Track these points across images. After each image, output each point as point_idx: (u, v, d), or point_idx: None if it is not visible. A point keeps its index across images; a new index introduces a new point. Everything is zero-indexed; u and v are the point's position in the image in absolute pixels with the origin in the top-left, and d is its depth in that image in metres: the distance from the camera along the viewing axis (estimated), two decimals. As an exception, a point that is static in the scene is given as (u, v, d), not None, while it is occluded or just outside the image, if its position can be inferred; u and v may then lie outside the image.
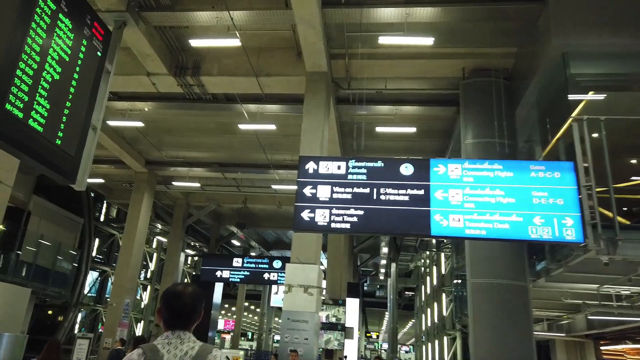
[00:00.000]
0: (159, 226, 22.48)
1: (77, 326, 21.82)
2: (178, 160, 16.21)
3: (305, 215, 6.70)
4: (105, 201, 22.91)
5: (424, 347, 29.96)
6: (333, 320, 15.25)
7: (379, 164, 6.73)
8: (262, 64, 9.92)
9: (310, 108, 9.39)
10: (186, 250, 25.68)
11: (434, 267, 26.47)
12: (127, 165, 16.40)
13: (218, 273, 19.63)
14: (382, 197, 6.58)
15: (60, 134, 4.14)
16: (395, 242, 23.63)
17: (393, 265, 24.32)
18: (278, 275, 19.03)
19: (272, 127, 11.92)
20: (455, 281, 19.65)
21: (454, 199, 6.41)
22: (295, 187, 16.47)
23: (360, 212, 6.55)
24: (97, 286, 23.96)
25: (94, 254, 22.22)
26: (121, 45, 8.04)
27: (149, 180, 16.86)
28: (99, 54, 4.94)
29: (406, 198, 6.51)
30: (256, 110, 11.77)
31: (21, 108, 3.62)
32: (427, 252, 26.81)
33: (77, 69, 4.46)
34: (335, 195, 6.71)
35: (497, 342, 7.93)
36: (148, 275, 26.85)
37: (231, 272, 19.64)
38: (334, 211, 6.64)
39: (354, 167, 6.79)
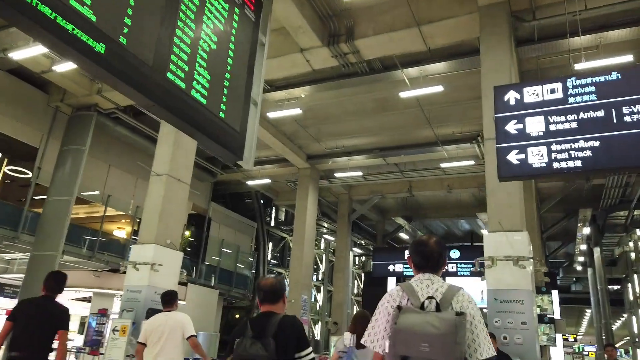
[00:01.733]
0: (325, 225, 22.35)
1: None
2: (338, 150, 15.64)
3: (513, 157, 5.14)
4: (273, 205, 23.69)
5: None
6: (537, 310, 12.87)
7: (614, 76, 4.86)
8: (423, 10, 8.58)
9: (489, 46, 7.74)
10: (353, 249, 25.30)
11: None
12: (290, 163, 16.42)
13: (390, 267, 18.60)
14: (627, 119, 4.71)
15: (223, 107, 3.85)
16: (596, 222, 19.92)
17: (597, 249, 20.55)
18: (457, 267, 17.23)
19: (439, 88, 10.44)
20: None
21: None
22: (469, 163, 14.80)
23: (595, 143, 4.77)
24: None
25: (268, 257, 23.06)
26: (272, 27, 7.56)
27: (312, 175, 16.67)
28: (252, 24, 4.46)
29: (663, 115, 4.54)
30: (418, 73, 10.45)
31: (182, 78, 3.39)
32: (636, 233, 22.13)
33: (232, 38, 4.11)
34: (553, 127, 5.03)
35: None
36: (320, 277, 27.11)
37: (404, 266, 18.43)
38: (555, 147, 4.96)
39: (575, 88, 5.04)
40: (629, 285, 29.78)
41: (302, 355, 2.67)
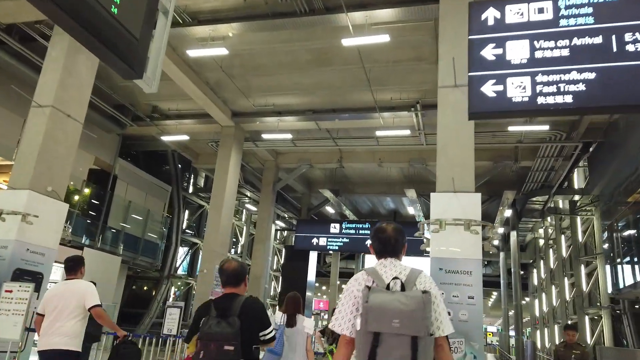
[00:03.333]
0: (248, 193, 20.87)
1: (170, 300, 21.03)
2: (267, 108, 14.21)
3: (489, 89, 4.11)
4: (192, 168, 21.76)
5: (545, 330, 26.20)
6: None
7: (615, -5, 3.95)
8: None
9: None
10: (275, 222, 24.12)
11: (562, 236, 22.61)
12: (212, 120, 14.72)
13: (314, 240, 17.67)
14: (629, 48, 3.81)
15: (116, 0, 2.85)
16: (515, 205, 20.25)
17: (513, 233, 21.00)
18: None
19: (385, 37, 9.35)
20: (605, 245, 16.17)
21: None
22: (405, 133, 14.00)
23: (590, 75, 3.83)
24: (188, 260, 23.08)
25: (183, 226, 21.23)
26: None
27: (236, 135, 15.09)
28: None
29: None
30: (364, 19, 9.28)
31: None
32: (550, 220, 22.96)
33: None
34: (539, 54, 4.04)
35: None
36: (239, 251, 25.69)
37: (328, 240, 17.56)
38: (541, 78, 3.98)
39: (569, 8, 4.07)
40: (535, 270, 31.53)
41: (265, 334, 2.91)
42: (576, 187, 19.52)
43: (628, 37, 3.84)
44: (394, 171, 19.57)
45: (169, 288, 19.84)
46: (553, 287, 24.58)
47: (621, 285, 14.88)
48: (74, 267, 4.39)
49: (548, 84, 3.95)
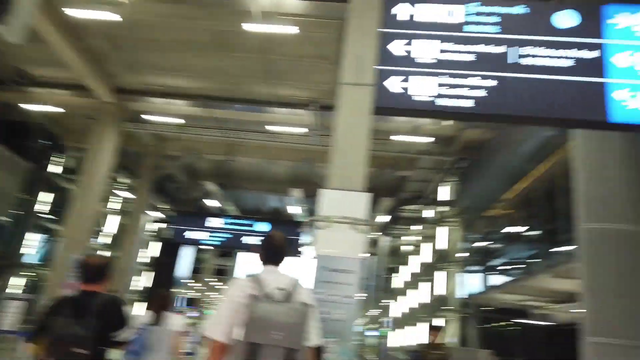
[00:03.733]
0: (123, 179, 19.23)
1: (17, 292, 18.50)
2: (156, 88, 13.20)
3: (395, 85, 4.12)
4: (61, 146, 19.47)
5: (402, 330, 28.07)
6: None
7: (520, 9, 4.19)
8: None
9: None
10: (151, 212, 22.62)
11: (427, 244, 24.43)
12: (90, 93, 13.26)
13: (193, 234, 16.81)
14: (526, 61, 4.08)
15: None
16: (389, 213, 21.40)
17: (385, 239, 22.12)
18: (264, 240, 16.40)
19: (294, 29, 9.18)
20: (460, 255, 17.73)
21: (645, 68, 3.97)
22: (300, 131, 13.96)
23: (492, 83, 4.02)
24: (45, 249, 20.56)
25: (44, 209, 18.88)
26: None
27: (117, 113, 13.81)
28: None
29: (566, 63, 4.03)
30: (272, 6, 9.02)
31: None
32: (418, 228, 24.72)
33: None
34: (444, 56, 4.15)
35: (620, 309, 5.59)
36: (107, 241, 23.56)
37: (208, 235, 16.85)
38: (445, 80, 4.08)
39: (477, 15, 4.24)
40: (398, 274, 33.80)
41: (117, 335, 2.70)
42: (445, 199, 21.23)
43: (525, 50, 4.08)
44: (282, 169, 19.51)
45: (13, 277, 17.43)
46: (412, 290, 26.46)
47: (471, 291, 16.47)
48: None
49: (452, 86, 4.05)
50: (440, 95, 4.05)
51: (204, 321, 2.75)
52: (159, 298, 4.76)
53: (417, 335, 22.61)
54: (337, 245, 5.59)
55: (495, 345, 12.98)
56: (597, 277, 5.77)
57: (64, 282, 12.33)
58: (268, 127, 14.11)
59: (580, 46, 4.02)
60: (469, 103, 3.97)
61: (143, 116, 14.38)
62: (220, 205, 21.88)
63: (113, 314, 2.68)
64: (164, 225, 26.74)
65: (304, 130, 13.89)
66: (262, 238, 2.49)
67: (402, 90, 4.10)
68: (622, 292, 5.58)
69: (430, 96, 4.04)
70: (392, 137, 13.92)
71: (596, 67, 3.96)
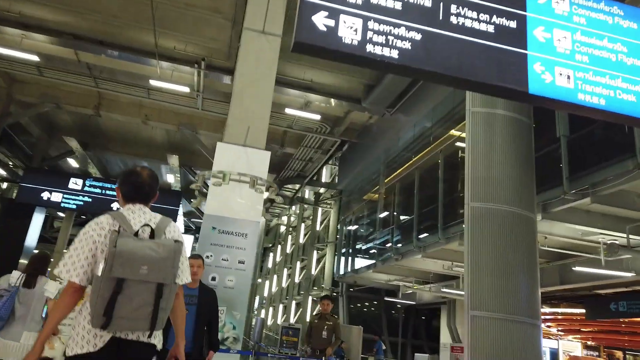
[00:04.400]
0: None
1: None
2: (9, 15, 11.00)
3: (320, 20, 3.65)
4: None
5: (271, 309, 28.24)
6: None
7: (456, -34, 4.02)
8: None
9: None
10: (-5, 167, 19.37)
11: (302, 224, 24.69)
12: None
13: (45, 195, 14.67)
14: (454, 20, 3.91)
15: None
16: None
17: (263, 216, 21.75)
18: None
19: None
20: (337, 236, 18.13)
21: (560, 45, 4.07)
22: (183, 90, 12.79)
23: (417, 36, 3.77)
24: None
25: None
26: None
27: (-46, 39, 11.30)
28: None
29: (491, 29, 3.94)
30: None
31: None
32: (295, 208, 24.87)
33: None
34: (375, 0, 3.81)
35: (497, 285, 5.93)
36: None
37: (64, 196, 14.83)
38: (372, 25, 3.73)
39: (408, -38, 3.97)
40: (271, 254, 33.91)
41: None
42: (324, 180, 21.56)
43: (454, 8, 3.90)
44: (159, 133, 17.97)
45: None
46: (285, 270, 26.69)
47: (342, 272, 16.98)
48: None
49: (379, 33, 3.72)
50: (371, 41, 3.70)
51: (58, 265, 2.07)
52: (36, 259, 4.54)
53: (291, 313, 22.80)
54: (232, 205, 5.05)
55: (364, 322, 13.48)
56: (478, 255, 6.02)
57: None
58: (150, 82, 12.67)
59: (506, 14, 3.97)
60: (395, 54, 3.69)
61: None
62: (82, 167, 19.46)
63: None
64: (9, 185, 23.13)
65: (186, 89, 12.78)
66: (125, 173, 2.27)
67: (330, 29, 3.66)
68: (499, 270, 5.90)
69: (358, 40, 3.67)
70: (287, 110, 13.50)
71: (519, 37, 3.94)
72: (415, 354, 13.54)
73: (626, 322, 11.05)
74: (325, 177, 21.92)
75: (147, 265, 1.91)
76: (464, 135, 10.78)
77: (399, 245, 12.37)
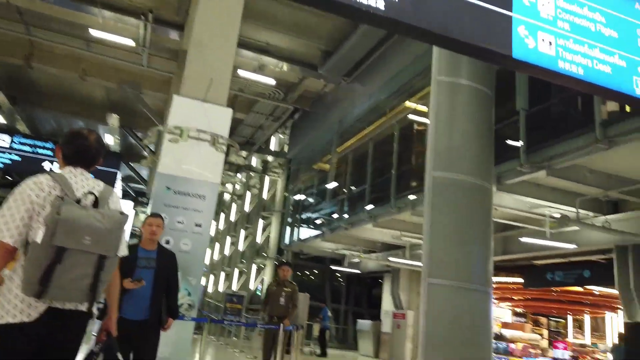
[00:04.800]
0: None
1: None
2: None
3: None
4: None
5: (211, 277, 27.87)
6: None
7: None
8: None
9: None
10: None
11: (248, 193, 24.27)
12: None
13: (-34, 151, 13.32)
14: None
15: None
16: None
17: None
18: (68, 167, 13.89)
19: None
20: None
21: (544, 10, 3.99)
22: (127, 42, 11.86)
23: (405, -12, 3.56)
24: None
25: None
26: None
27: None
28: None
29: (478, -14, 3.79)
30: None
31: None
32: (241, 176, 24.35)
33: None
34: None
35: (454, 254, 5.99)
36: None
37: (-6, 153, 13.57)
38: (357, -27, 3.47)
39: None
40: (214, 222, 33.35)
41: None
42: (272, 149, 21.16)
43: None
44: (98, 91, 16.75)
45: None
46: (229, 237, 26.29)
47: (288, 241, 16.93)
48: None
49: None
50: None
51: None
52: None
53: (233, 281, 22.56)
54: (189, 164, 4.68)
55: (308, 290, 13.52)
56: (437, 223, 6.03)
57: None
58: (91, 32, 11.62)
59: (492, -27, 3.81)
60: (381, 5, 3.44)
61: None
62: (8, 122, 17.82)
63: None
64: None
65: (131, 43, 11.87)
66: (70, 133, 2.11)
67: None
68: (457, 239, 5.94)
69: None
70: (240, 72, 12.90)
71: (504, -1, 3.81)
72: (358, 320, 13.80)
73: (557, 291, 11.79)
74: (274, 145, 21.50)
75: (90, 236, 1.82)
76: (419, 107, 10.85)
77: (349, 215, 12.39)
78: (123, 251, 2.07)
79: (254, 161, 22.52)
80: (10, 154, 13.80)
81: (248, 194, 24.26)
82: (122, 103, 17.37)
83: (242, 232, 23.21)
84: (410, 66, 11.13)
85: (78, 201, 1.89)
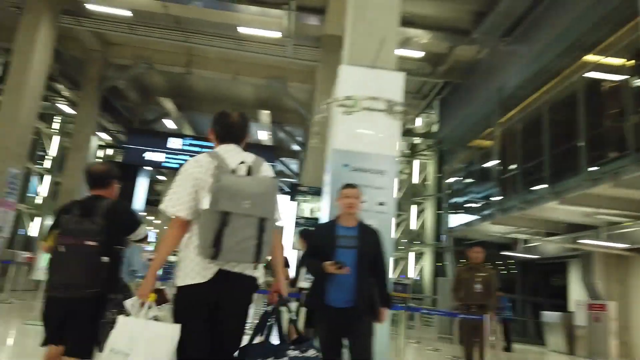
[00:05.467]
0: (63, 91, 16.54)
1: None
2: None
3: None
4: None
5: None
6: (319, 215, 11.26)
7: None
8: None
9: None
10: (98, 133, 20.16)
11: (395, 179, 23.50)
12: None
13: (148, 155, 14.86)
14: None
15: None
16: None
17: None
18: (229, 164, 14.70)
19: None
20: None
21: None
22: (274, 35, 11.86)
23: None
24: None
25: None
26: None
27: (50, 1, 11.32)
28: None
29: None
30: None
31: None
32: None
33: None
34: None
35: None
36: (47, 165, 20.98)
37: (166, 156, 14.94)
38: None
39: None
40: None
41: (137, 234, 2.83)
42: (419, 130, 20.03)
43: None
44: (247, 90, 17.52)
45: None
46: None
47: (451, 225, 15.74)
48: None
49: None
50: None
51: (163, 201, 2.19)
52: None
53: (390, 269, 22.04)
54: (363, 137, 4.08)
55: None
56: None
57: (5, 202, 10.39)
58: (239, 30, 11.98)
59: None
60: None
61: (86, 5, 11.87)
62: (177, 128, 19.68)
63: (121, 214, 2.72)
64: (113, 152, 24.30)
65: (278, 34, 11.89)
66: (217, 114, 2.32)
67: None
68: None
69: None
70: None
71: None
72: (541, 311, 12.15)
73: None
74: (423, 124, 20.34)
75: (249, 200, 1.95)
76: (605, 61, 8.98)
77: (524, 193, 10.88)
78: (279, 216, 2.14)
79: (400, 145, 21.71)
80: (183, 155, 15.06)
81: (395, 180, 23.51)
82: (269, 100, 17.94)
83: (393, 220, 22.58)
84: (586, 14, 9.28)
85: (233, 171, 2.07)
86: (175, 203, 2.05)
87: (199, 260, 1.99)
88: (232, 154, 2.16)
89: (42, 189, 20.58)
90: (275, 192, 2.06)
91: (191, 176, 2.08)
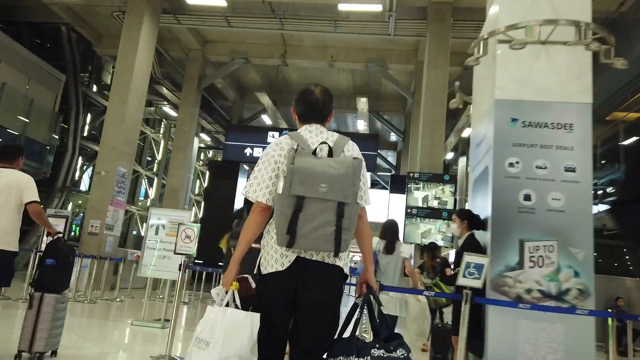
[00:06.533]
0: (166, 92, 16.89)
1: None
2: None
3: None
4: (95, 59, 17.41)
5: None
6: (435, 204, 10.11)
7: None
8: None
9: None
10: (199, 134, 20.65)
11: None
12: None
13: (248, 151, 14.64)
14: None
15: None
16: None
17: (463, 159, 19.18)
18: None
19: None
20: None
21: None
22: (375, 8, 10.93)
23: None
24: (89, 172, 19.10)
25: (84, 131, 17.19)
26: None
27: (150, 1, 11.39)
28: None
29: None
30: None
31: None
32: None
33: None
34: None
35: None
36: (155, 168, 21.95)
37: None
38: None
39: None
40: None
41: None
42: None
43: None
44: (344, 78, 16.76)
45: (65, 202, 16.04)
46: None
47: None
48: (10, 156, 3.77)
49: None
50: None
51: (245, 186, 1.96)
52: (391, 228, 5.17)
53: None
54: (539, 77, 2.95)
55: None
56: None
57: (112, 200, 10.62)
58: (339, 7, 11.15)
59: None
60: None
61: (182, 4, 11.82)
62: (273, 123, 19.49)
63: None
64: (212, 152, 24.94)
65: (379, 8, 10.85)
66: (298, 92, 2.15)
67: None
68: None
69: None
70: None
71: None
72: None
73: None
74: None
75: (326, 183, 1.80)
76: None
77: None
78: (367, 200, 1.99)
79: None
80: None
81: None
82: (367, 87, 17.04)
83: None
84: None
85: (314, 152, 1.93)
86: (255, 188, 1.96)
87: (277, 248, 1.91)
88: (314, 134, 2.03)
89: (151, 192, 21.59)
90: (358, 174, 1.85)
91: (272, 159, 1.96)
